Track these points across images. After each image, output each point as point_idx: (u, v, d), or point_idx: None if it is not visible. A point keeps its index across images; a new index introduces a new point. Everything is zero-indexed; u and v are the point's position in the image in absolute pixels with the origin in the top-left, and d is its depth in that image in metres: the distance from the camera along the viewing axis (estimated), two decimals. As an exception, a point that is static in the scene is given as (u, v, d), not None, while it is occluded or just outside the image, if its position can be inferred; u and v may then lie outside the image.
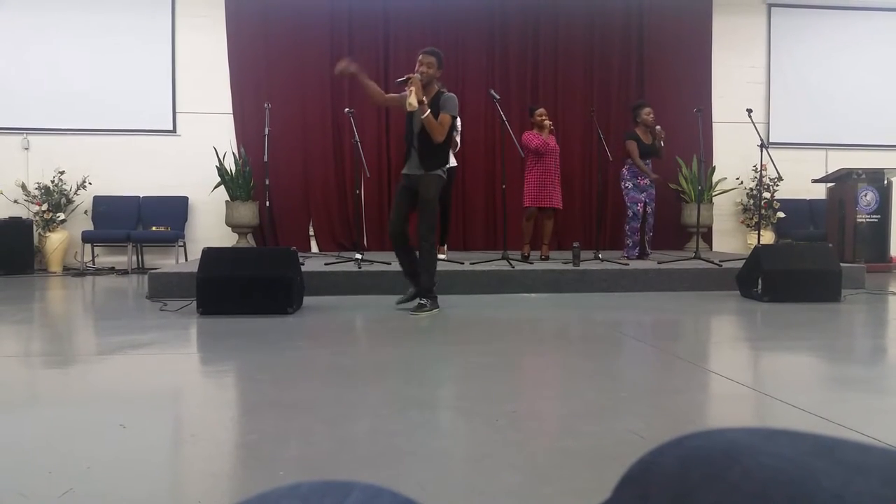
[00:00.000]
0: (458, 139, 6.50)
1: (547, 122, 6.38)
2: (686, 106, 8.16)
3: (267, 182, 6.21)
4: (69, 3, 7.93)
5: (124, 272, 7.51)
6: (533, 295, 5.43)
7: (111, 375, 2.76)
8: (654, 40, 8.71)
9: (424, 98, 4.16)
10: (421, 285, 4.40)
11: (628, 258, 6.56)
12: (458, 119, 6.55)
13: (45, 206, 7.56)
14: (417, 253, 4.41)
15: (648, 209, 6.63)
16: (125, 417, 2.12)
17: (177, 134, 8.13)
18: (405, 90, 4.14)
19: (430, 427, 2.06)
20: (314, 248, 8.23)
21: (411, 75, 4.17)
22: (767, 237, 8.54)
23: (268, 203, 6.27)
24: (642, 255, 6.66)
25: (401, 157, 8.12)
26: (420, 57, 4.28)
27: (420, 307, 4.35)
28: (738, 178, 8.89)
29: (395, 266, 5.65)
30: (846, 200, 7.31)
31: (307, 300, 4.82)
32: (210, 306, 4.33)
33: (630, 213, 6.66)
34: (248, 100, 8.10)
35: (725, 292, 5.56)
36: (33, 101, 7.87)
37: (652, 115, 6.49)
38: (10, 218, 7.45)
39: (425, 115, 4.13)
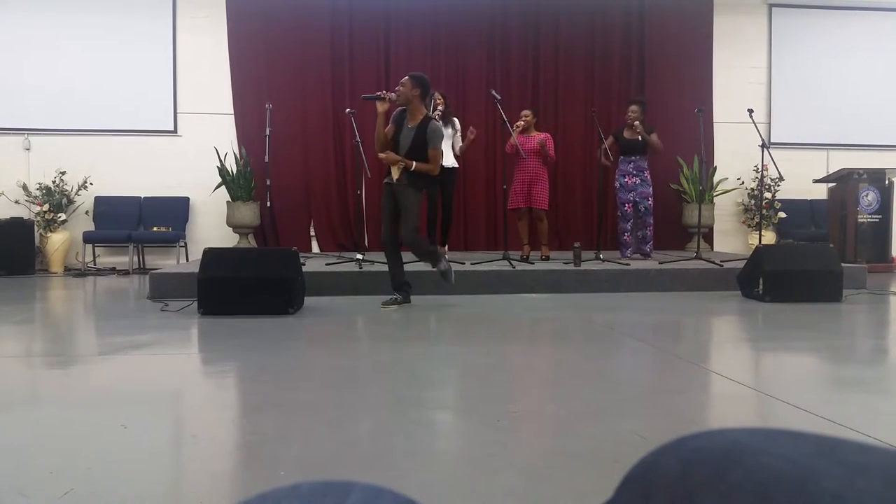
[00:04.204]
0: (459, 140, 6.50)
1: (520, 123, 6.36)
2: (687, 106, 8.16)
3: (268, 182, 6.21)
4: (70, 4, 7.94)
5: (125, 273, 7.52)
6: (534, 295, 5.43)
7: (112, 376, 2.76)
8: (655, 40, 8.70)
9: (404, 162, 4.45)
10: (437, 266, 4.69)
11: (627, 258, 6.55)
12: (457, 120, 6.58)
13: (46, 207, 7.56)
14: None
15: (641, 208, 6.58)
16: (126, 418, 2.12)
17: (178, 134, 8.14)
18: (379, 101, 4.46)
19: (430, 427, 2.06)
20: (315, 248, 8.24)
21: (381, 93, 4.45)
22: (769, 237, 8.54)
23: (269, 203, 6.27)
24: (644, 255, 6.65)
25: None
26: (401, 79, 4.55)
27: (448, 274, 4.67)
28: (739, 179, 8.89)
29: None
30: (847, 200, 7.31)
31: (308, 300, 4.82)
32: (211, 307, 4.33)
33: (619, 213, 6.68)
34: (248, 100, 8.10)
35: (726, 292, 5.56)
36: (34, 102, 7.88)
37: (632, 113, 6.46)
38: (11, 218, 7.45)
39: (413, 167, 4.43)
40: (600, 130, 6.54)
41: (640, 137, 6.43)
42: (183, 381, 2.70)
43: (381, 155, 4.51)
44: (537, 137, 6.35)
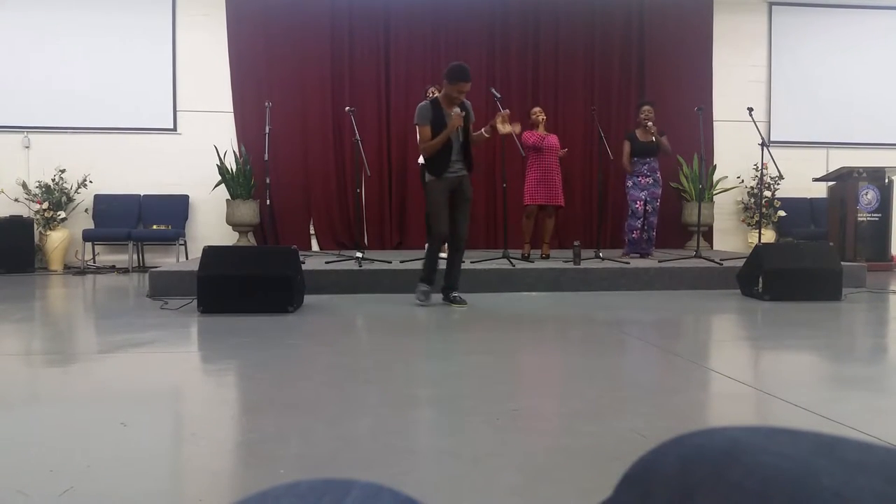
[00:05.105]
0: None
1: (541, 118, 6.42)
2: (687, 104, 8.16)
3: (268, 180, 6.21)
4: (70, 2, 7.93)
5: (125, 271, 7.52)
6: (534, 294, 5.43)
7: (112, 374, 2.76)
8: (655, 39, 8.70)
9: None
10: (456, 283, 4.78)
11: (628, 255, 6.57)
12: None
13: (45, 205, 7.56)
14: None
15: (649, 208, 6.61)
16: (126, 416, 2.12)
17: (177, 132, 8.14)
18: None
19: (430, 426, 2.06)
20: (315, 246, 8.24)
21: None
22: (768, 236, 8.54)
23: (268, 202, 6.27)
24: (644, 254, 6.66)
25: (402, 157, 8.17)
26: (465, 86, 4.89)
27: (462, 301, 4.71)
28: (738, 177, 8.89)
29: (395, 265, 5.67)
30: (847, 199, 7.31)
31: (308, 299, 4.82)
32: (210, 305, 4.33)
33: (629, 210, 6.68)
34: (248, 98, 8.10)
35: (726, 291, 5.56)
36: (34, 100, 7.87)
37: (645, 114, 6.47)
38: (10, 216, 7.45)
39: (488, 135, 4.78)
40: (600, 129, 6.53)
41: (653, 139, 6.44)
42: (182, 379, 2.70)
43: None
44: (554, 138, 6.45)
